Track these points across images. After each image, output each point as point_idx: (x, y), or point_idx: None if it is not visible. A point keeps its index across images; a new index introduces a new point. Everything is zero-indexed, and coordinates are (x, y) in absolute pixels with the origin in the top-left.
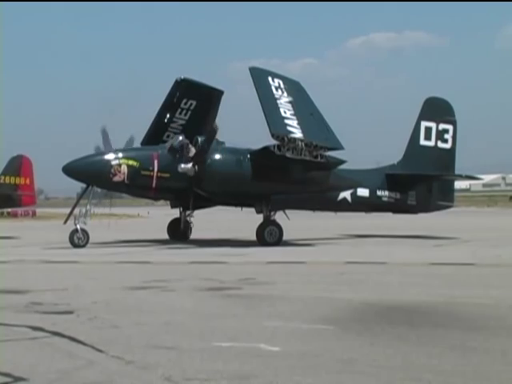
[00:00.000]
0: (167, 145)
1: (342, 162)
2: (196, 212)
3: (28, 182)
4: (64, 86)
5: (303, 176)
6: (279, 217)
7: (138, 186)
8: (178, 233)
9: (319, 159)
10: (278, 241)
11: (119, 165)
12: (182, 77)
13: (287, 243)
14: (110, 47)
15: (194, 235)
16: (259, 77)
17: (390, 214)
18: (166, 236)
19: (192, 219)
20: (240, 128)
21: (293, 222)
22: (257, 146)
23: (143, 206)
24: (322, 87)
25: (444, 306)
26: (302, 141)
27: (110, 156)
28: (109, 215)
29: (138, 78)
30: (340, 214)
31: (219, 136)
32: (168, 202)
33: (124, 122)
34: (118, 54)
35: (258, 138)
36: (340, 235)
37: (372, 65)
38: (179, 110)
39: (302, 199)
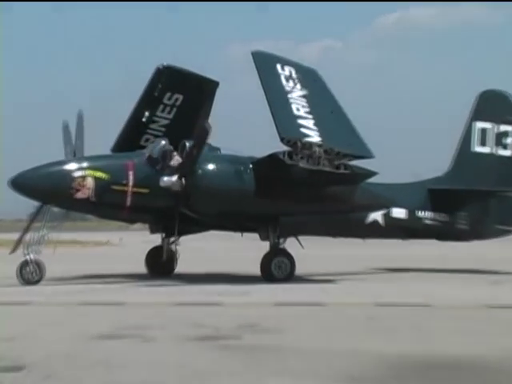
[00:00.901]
0: (146, 152)
1: (373, 173)
2: (183, 239)
3: None
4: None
5: (321, 192)
6: (290, 244)
7: (108, 205)
8: (160, 265)
9: (342, 170)
10: (289, 276)
11: (83, 177)
12: (165, 63)
13: (300, 279)
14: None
15: (180, 268)
16: (265, 64)
17: (433, 242)
18: (143, 269)
19: (178, 248)
20: (240, 130)
21: (308, 251)
22: (261, 153)
23: (114, 231)
24: (345, 77)
25: (504, 362)
26: (319, 146)
27: (71, 166)
28: (55, 243)
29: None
30: (369, 242)
31: (213, 140)
32: (146, 226)
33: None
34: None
35: (263, 143)
36: (369, 269)
37: (408, 49)
38: (161, 107)
39: (319, 222)
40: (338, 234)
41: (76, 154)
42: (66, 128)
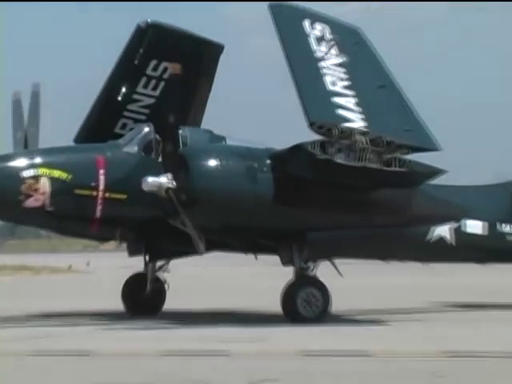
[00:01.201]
0: (123, 142)
1: (438, 171)
2: (174, 263)
3: None
4: None
5: (366, 198)
6: (323, 271)
7: (70, 217)
8: (142, 300)
9: (395, 167)
10: (321, 314)
11: (36, 178)
12: (149, 20)
13: (337, 319)
14: None
15: (169, 304)
16: (287, 20)
17: None
18: (119, 306)
19: (166, 275)
20: (252, 112)
21: (348, 279)
22: (283, 144)
23: (79, 253)
24: (399, 37)
25: None
26: (364, 134)
27: (19, 162)
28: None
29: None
30: (432, 267)
31: (216, 126)
32: (124, 246)
33: None
34: None
35: (285, 129)
36: (432, 304)
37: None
38: (144, 81)
39: (363, 240)
40: (389, 257)
41: (28, 145)
42: (17, 103)
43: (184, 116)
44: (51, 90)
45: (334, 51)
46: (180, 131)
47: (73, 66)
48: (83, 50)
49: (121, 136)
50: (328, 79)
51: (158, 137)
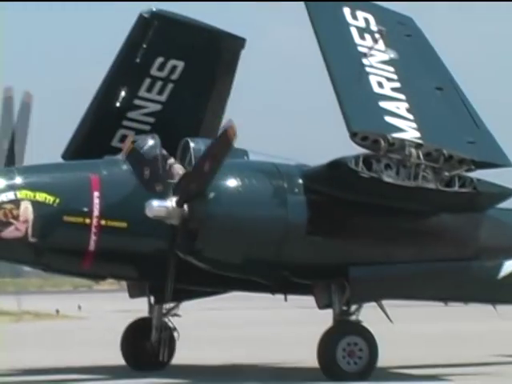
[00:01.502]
0: (122, 158)
1: None
2: (185, 305)
3: None
4: None
5: (422, 225)
6: (369, 315)
7: (58, 250)
8: (147, 351)
9: (457, 187)
10: (367, 368)
11: (16, 203)
12: (154, 9)
13: (384, 374)
14: None
15: (179, 356)
16: (323, 7)
17: None
18: (119, 359)
19: (175, 321)
20: (281, 120)
21: (399, 325)
22: (318, 159)
23: (68, 294)
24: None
25: None
26: (418, 147)
27: None
28: None
29: None
30: (505, 310)
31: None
32: (123, 285)
33: None
34: None
35: (321, 140)
36: (505, 357)
37: None
38: (148, 83)
39: (418, 277)
40: (449, 297)
41: (15, 160)
42: (7, 102)
43: (197, 125)
44: (35, 97)
45: (380, 45)
46: (192, 144)
47: (59, 68)
48: (70, 49)
49: (120, 151)
50: (374, 80)
51: (164, 151)
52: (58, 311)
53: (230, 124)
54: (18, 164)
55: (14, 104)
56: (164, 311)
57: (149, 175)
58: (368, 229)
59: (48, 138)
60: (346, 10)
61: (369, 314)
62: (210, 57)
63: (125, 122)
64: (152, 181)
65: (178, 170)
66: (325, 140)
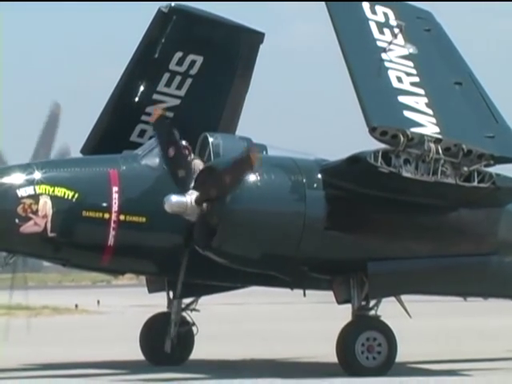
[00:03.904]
0: (141, 153)
1: None
2: (204, 300)
3: None
4: None
5: (441, 220)
6: (388, 310)
7: (78, 245)
8: (164, 346)
9: (477, 182)
10: (385, 362)
11: (35, 197)
12: (173, 4)
13: (403, 368)
14: None
15: (198, 351)
16: (343, 4)
17: None
18: (137, 353)
19: (194, 316)
20: (300, 115)
21: (418, 320)
22: (337, 154)
23: (87, 289)
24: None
25: None
26: (437, 142)
27: (14, 177)
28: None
29: None
30: None
31: (254, 133)
32: (142, 280)
33: None
34: None
35: (340, 135)
36: None
37: None
38: (166, 77)
39: (437, 272)
40: (468, 293)
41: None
42: (53, 117)
43: (216, 120)
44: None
45: (399, 40)
46: (211, 139)
47: (79, 64)
48: (86, 44)
49: (138, 145)
50: (393, 74)
51: (184, 144)
52: (76, 306)
53: (254, 151)
54: None
55: (59, 121)
56: (182, 306)
57: (173, 154)
58: (386, 224)
59: (68, 133)
60: (365, 5)
61: (387, 309)
62: (229, 51)
63: (143, 117)
64: (176, 162)
65: (198, 165)
66: (343, 135)
